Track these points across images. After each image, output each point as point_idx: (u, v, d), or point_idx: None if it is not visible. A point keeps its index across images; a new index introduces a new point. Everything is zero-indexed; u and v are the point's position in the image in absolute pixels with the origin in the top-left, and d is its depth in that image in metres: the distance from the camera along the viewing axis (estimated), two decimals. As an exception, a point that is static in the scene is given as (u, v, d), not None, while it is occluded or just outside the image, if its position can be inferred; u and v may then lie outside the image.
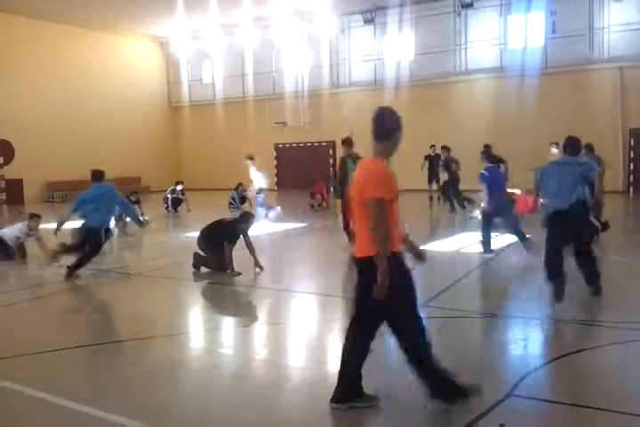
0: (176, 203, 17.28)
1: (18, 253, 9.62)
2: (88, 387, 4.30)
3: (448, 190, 15.55)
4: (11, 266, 9.35)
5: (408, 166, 16.65)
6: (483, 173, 8.90)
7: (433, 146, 17.78)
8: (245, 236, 8.18)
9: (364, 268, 3.58)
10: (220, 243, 8.03)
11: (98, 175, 8.68)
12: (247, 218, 8.30)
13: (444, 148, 16.24)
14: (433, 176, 17.43)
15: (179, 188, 17.44)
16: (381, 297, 3.44)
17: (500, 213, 8.86)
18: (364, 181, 3.56)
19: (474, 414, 3.61)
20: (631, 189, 19.39)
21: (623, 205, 14.77)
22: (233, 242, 8.12)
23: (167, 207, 17.25)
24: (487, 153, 9.53)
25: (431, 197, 17.52)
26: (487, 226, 8.96)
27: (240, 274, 8.04)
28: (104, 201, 8.36)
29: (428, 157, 17.80)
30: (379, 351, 5.01)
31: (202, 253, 8.37)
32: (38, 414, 3.91)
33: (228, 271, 8.06)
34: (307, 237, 12.05)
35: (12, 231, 9.73)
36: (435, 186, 17.37)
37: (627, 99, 19.34)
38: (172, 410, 3.90)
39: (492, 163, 9.32)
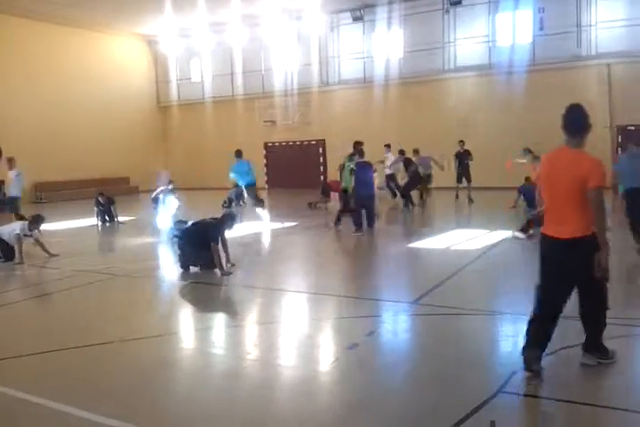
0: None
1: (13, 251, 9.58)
2: (79, 389, 4.26)
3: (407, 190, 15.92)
4: (4, 266, 9.28)
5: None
6: (353, 168, 11.43)
7: (462, 141, 17.15)
8: (223, 235, 8.35)
9: (578, 246, 4.06)
10: (204, 242, 8.08)
11: (239, 153, 13.95)
12: (230, 218, 8.45)
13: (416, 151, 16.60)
14: (463, 174, 16.88)
15: (170, 187, 17.36)
16: (604, 267, 4.04)
17: (365, 199, 11.29)
18: (588, 171, 3.93)
19: (464, 411, 3.60)
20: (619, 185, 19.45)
21: (612, 202, 14.80)
22: (218, 241, 8.19)
23: (159, 207, 17.14)
24: (359, 151, 11.64)
25: (457, 196, 17.06)
26: (359, 208, 11.42)
27: (230, 273, 8.05)
28: (244, 170, 13.55)
29: (457, 154, 17.11)
30: (373, 351, 5.01)
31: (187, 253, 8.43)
32: (29, 418, 3.87)
33: (218, 271, 8.06)
34: (297, 235, 12.03)
35: (8, 229, 9.63)
36: (465, 184, 16.87)
37: (614, 96, 19.45)
38: (164, 411, 3.88)
39: (362, 158, 11.50)
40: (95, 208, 14.65)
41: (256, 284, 7.91)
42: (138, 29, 26.45)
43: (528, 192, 13.63)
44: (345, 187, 12.19)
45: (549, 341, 4.21)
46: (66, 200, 22.57)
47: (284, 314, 6.37)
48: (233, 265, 8.44)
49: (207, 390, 4.29)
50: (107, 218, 14.73)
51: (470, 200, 16.22)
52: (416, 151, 17.12)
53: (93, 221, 14.62)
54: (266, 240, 11.90)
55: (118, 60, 26.93)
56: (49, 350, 5.09)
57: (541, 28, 20.41)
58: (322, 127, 24.67)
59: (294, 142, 25.80)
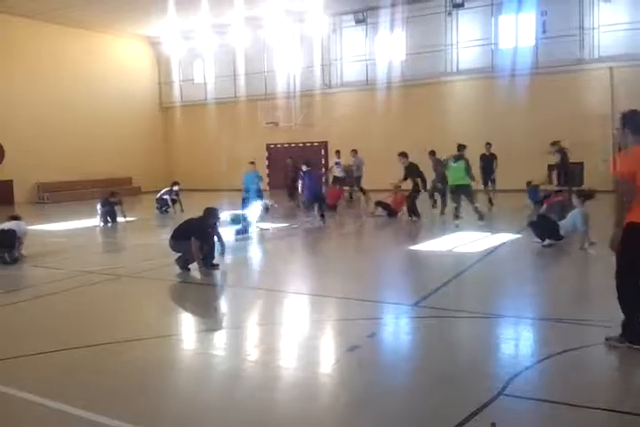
0: (168, 204, 17.20)
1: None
2: (81, 389, 4.27)
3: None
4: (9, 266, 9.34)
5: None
6: (301, 174, 13.69)
7: (489, 144, 16.59)
8: (215, 229, 8.46)
9: None
10: (189, 240, 8.17)
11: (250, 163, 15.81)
12: (212, 212, 8.52)
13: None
14: (487, 177, 16.43)
15: (175, 188, 17.38)
16: None
17: (315, 199, 13.48)
18: None
19: (464, 413, 3.61)
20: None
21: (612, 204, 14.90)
22: (201, 238, 8.21)
23: (162, 208, 17.14)
24: (306, 161, 14.30)
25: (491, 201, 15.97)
26: (311, 207, 13.51)
27: (209, 273, 8.17)
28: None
29: (482, 157, 16.46)
30: (374, 353, 5.02)
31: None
32: (30, 418, 3.88)
33: (198, 267, 8.18)
34: (297, 237, 12.04)
35: (23, 229, 9.74)
36: (490, 187, 16.57)
37: (616, 99, 19.45)
38: (166, 412, 3.88)
39: (309, 167, 13.96)
40: (100, 208, 14.64)
41: (256, 285, 7.92)
42: (141, 31, 26.53)
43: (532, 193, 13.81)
44: (457, 184, 12.90)
45: None
46: (69, 201, 22.62)
47: (284, 315, 6.37)
48: (217, 267, 8.49)
49: (208, 391, 4.30)
50: (109, 219, 14.72)
51: (490, 203, 16.08)
52: (354, 151, 18.91)
53: (96, 221, 14.65)
54: (266, 241, 11.91)
55: (121, 61, 27.01)
56: (50, 350, 5.10)
57: (544, 31, 20.44)
58: (324, 129, 24.71)
59: (296, 144, 25.83)
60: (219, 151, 26.63)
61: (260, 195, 14.65)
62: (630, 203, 4.49)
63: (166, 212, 17.03)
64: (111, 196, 14.81)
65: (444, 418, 3.62)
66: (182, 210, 16.82)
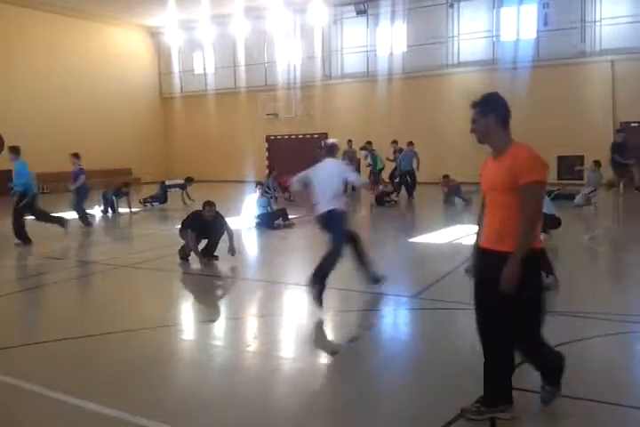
0: (166, 198, 16.99)
1: None
2: (81, 380, 4.27)
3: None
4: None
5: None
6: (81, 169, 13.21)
7: (395, 142, 17.33)
8: (224, 224, 8.42)
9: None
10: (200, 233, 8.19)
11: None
12: (204, 206, 8.49)
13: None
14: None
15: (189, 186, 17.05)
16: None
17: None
18: None
19: (465, 404, 3.62)
20: (621, 182, 19.40)
21: (613, 198, 14.96)
22: (196, 229, 8.19)
23: (158, 199, 16.99)
24: (76, 155, 13.66)
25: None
26: (81, 202, 13.21)
27: (207, 265, 8.15)
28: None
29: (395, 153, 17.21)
30: (373, 344, 5.04)
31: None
32: (33, 409, 3.89)
33: (198, 258, 8.17)
34: (296, 229, 12.04)
35: None
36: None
37: (618, 92, 19.41)
38: (166, 402, 3.89)
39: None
40: (106, 197, 14.74)
41: (257, 277, 7.94)
42: (141, 21, 26.40)
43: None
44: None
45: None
46: (69, 191, 22.55)
47: (284, 307, 6.39)
48: (233, 254, 8.42)
49: (207, 381, 4.32)
50: (109, 209, 14.77)
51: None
52: (349, 142, 19.17)
53: (96, 211, 14.65)
54: (266, 234, 11.91)
55: (121, 51, 26.87)
56: (49, 339, 5.10)
57: (546, 24, 20.35)
58: (324, 121, 24.63)
59: (296, 136, 25.77)
60: (218, 142, 26.59)
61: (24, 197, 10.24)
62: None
63: (162, 202, 16.70)
64: (124, 186, 14.89)
65: (444, 410, 3.63)
66: (191, 201, 16.44)
